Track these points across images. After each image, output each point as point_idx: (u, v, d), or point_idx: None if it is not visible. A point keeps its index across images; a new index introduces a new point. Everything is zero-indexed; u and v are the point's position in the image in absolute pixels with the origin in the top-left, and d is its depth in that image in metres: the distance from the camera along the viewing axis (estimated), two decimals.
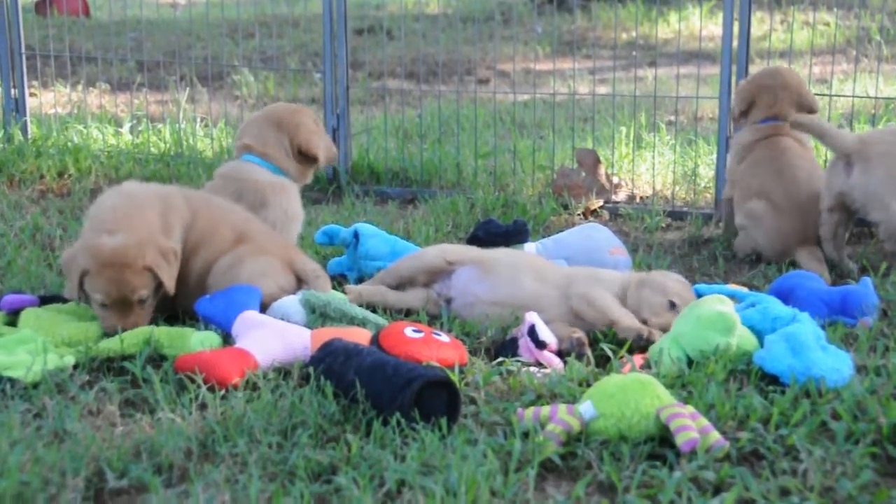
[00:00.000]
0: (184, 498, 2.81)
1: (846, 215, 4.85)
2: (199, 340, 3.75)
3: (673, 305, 4.00)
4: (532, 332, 3.80)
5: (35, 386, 3.46)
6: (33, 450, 2.97)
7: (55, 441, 3.10)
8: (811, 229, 4.93)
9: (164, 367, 3.58)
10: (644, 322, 3.98)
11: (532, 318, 3.85)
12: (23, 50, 6.95)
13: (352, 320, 3.93)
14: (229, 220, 4.25)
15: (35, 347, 3.59)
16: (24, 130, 6.93)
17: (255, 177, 4.65)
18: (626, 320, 3.93)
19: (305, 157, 4.77)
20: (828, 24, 10.55)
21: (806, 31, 10.60)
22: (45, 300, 4.05)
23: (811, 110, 5.20)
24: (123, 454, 3.00)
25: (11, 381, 3.43)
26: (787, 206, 4.96)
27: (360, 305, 4.14)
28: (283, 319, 3.92)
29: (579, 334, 3.87)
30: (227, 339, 3.82)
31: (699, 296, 4.06)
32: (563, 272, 4.25)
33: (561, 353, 3.82)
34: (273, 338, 3.66)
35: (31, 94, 7.45)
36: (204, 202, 4.26)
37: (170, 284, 3.90)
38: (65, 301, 4.08)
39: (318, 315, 3.94)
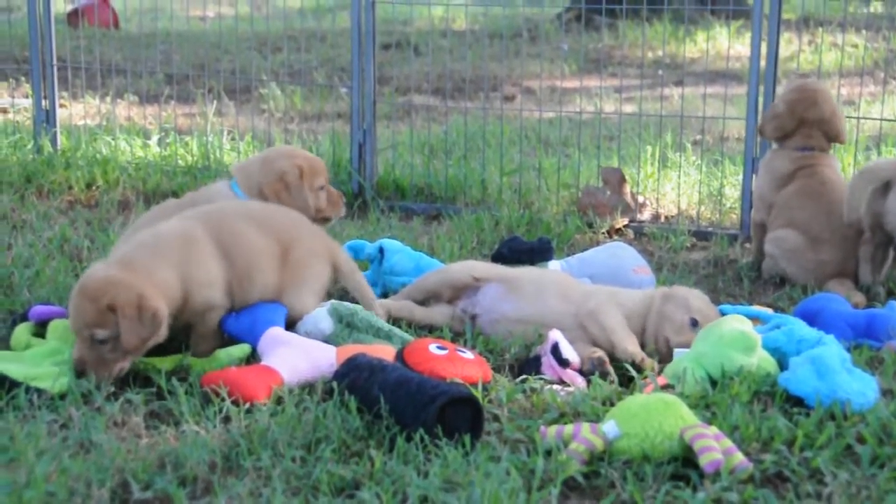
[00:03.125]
0: None
1: (886, 238, 4.83)
2: (227, 353, 3.77)
3: (695, 323, 3.99)
4: (555, 350, 3.81)
5: (62, 397, 3.49)
6: (59, 460, 3.00)
7: (81, 452, 3.13)
8: (849, 262, 4.91)
9: (190, 379, 3.60)
10: (666, 339, 3.98)
11: (555, 335, 3.86)
12: (54, 61, 7.01)
13: (377, 332, 3.95)
14: (274, 233, 4.12)
15: (63, 359, 3.61)
16: (54, 141, 6.99)
17: (214, 195, 4.53)
18: (625, 343, 3.91)
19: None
20: (856, 46, 10.52)
21: (834, 52, 10.58)
22: None
23: (837, 139, 5.18)
24: (148, 466, 3.02)
25: (38, 391, 3.46)
26: (826, 237, 4.94)
27: (387, 320, 4.17)
28: (312, 327, 3.96)
29: (599, 353, 3.87)
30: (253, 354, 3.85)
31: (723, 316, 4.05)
32: (585, 291, 4.25)
33: (583, 373, 3.82)
34: (299, 355, 3.68)
35: (61, 106, 7.52)
36: (234, 227, 4.05)
37: (128, 339, 3.54)
38: None
39: (344, 324, 3.96)
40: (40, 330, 3.97)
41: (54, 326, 3.90)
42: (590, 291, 4.23)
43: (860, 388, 3.47)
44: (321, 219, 4.68)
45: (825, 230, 4.94)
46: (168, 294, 3.72)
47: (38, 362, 3.62)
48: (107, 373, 3.59)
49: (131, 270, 3.68)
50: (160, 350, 3.91)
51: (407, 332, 4.14)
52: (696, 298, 4.11)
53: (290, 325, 4.02)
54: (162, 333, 3.68)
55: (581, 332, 4.05)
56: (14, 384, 3.46)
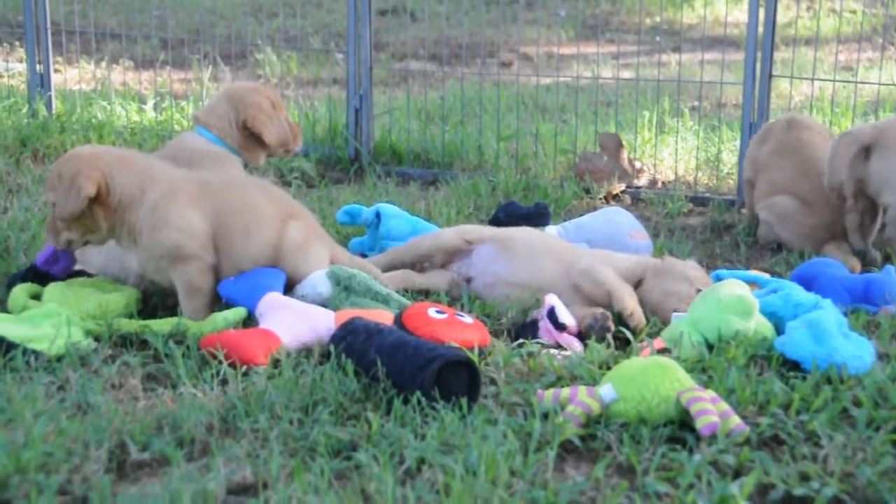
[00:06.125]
0: (205, 471, 2.84)
1: (870, 203, 4.84)
2: (224, 317, 3.77)
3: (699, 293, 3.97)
4: (552, 314, 3.80)
5: (59, 359, 3.49)
6: (57, 421, 3.00)
7: (78, 413, 3.13)
8: (840, 223, 4.91)
9: (187, 342, 3.60)
10: (676, 311, 3.95)
11: (552, 300, 3.85)
12: (48, 25, 6.97)
13: (375, 296, 3.94)
14: (272, 201, 4.12)
15: (59, 321, 3.61)
16: (49, 106, 6.95)
17: (190, 145, 4.65)
18: (623, 295, 3.91)
19: (253, 135, 4.73)
20: (854, 12, 10.48)
21: (832, 18, 10.54)
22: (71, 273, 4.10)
23: None
24: (146, 427, 3.03)
25: (36, 353, 3.46)
26: (815, 200, 4.94)
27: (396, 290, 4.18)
28: (310, 290, 3.96)
29: (602, 310, 3.86)
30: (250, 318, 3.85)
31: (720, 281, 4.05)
32: (578, 254, 4.24)
33: (581, 334, 3.82)
34: (298, 319, 3.67)
35: (56, 70, 7.48)
36: (233, 189, 4.08)
37: (57, 205, 3.78)
38: (90, 275, 4.12)
39: (342, 288, 3.96)
40: (38, 292, 3.97)
41: (51, 289, 3.90)
42: (583, 254, 4.22)
43: (856, 351, 3.48)
44: (284, 151, 4.86)
45: (810, 193, 4.95)
46: (119, 193, 3.83)
47: (37, 324, 3.62)
48: (55, 238, 3.88)
49: (99, 156, 3.85)
50: (157, 313, 3.92)
51: (405, 296, 4.14)
52: (693, 269, 4.10)
53: (289, 290, 4.02)
54: (94, 233, 3.85)
55: (576, 294, 4.05)
56: (11, 346, 3.46)
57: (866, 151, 4.76)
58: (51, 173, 3.88)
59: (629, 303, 3.90)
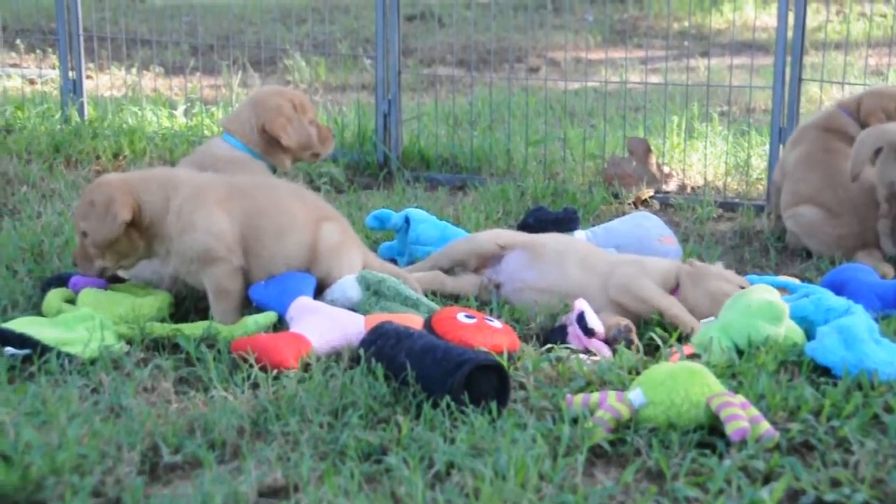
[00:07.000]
0: (236, 474, 2.86)
1: None
2: (254, 321, 3.79)
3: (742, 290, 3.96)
4: (581, 319, 3.81)
5: (92, 362, 3.53)
6: (91, 424, 3.03)
7: (111, 416, 3.16)
8: (869, 233, 4.87)
9: (218, 346, 3.63)
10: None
11: (581, 305, 3.86)
12: (80, 32, 7.04)
13: (405, 300, 3.96)
14: (305, 203, 4.15)
15: (93, 325, 3.65)
16: (81, 112, 7.02)
17: (215, 151, 4.67)
18: (673, 310, 3.91)
19: (273, 139, 4.71)
20: (885, 16, 10.42)
21: (862, 22, 10.48)
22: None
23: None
24: (178, 430, 3.05)
25: (70, 357, 3.50)
26: (841, 211, 4.91)
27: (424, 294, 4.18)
28: (340, 295, 3.98)
29: (626, 321, 3.87)
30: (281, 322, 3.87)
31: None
32: (608, 260, 4.23)
33: (608, 342, 3.82)
34: (328, 323, 3.69)
35: (88, 77, 7.55)
36: (264, 192, 4.11)
37: (92, 232, 3.84)
38: (122, 280, 4.16)
39: (372, 292, 3.97)
40: (72, 297, 4.01)
41: (85, 293, 3.94)
42: (614, 261, 4.22)
43: (888, 357, 3.46)
44: (312, 155, 4.85)
45: (836, 203, 4.91)
46: (149, 212, 3.89)
47: (71, 327, 3.65)
48: (89, 266, 3.93)
49: (127, 181, 3.91)
50: (189, 317, 3.95)
51: (434, 301, 4.16)
52: (726, 270, 4.10)
53: (319, 295, 4.04)
54: (128, 257, 3.94)
55: (604, 301, 4.05)
56: (46, 349, 3.50)
57: None
58: (80, 202, 3.93)
59: (683, 318, 3.90)
